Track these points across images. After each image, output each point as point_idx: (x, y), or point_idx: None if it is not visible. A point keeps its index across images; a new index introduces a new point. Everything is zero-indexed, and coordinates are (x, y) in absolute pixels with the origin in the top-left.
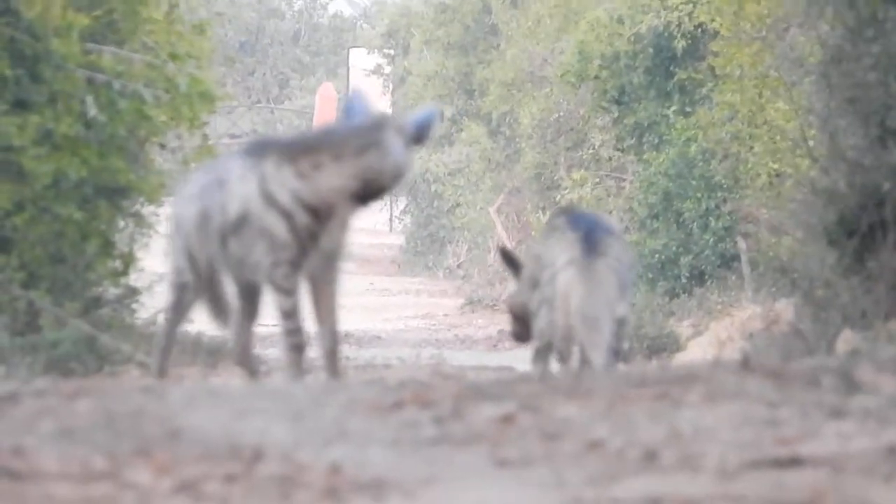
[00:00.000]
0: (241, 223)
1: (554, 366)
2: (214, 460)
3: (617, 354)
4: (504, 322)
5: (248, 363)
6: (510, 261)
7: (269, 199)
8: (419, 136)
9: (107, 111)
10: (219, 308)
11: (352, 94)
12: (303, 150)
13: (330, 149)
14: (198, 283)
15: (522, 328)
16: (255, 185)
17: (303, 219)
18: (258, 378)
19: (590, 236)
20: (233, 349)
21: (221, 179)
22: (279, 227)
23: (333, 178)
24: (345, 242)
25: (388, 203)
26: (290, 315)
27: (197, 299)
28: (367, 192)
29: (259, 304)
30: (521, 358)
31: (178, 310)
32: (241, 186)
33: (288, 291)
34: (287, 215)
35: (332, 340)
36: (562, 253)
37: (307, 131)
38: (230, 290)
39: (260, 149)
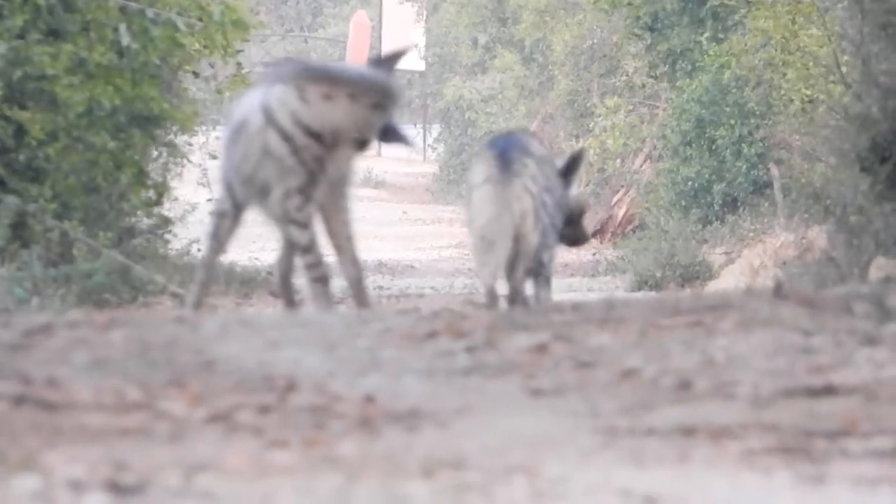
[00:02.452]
0: (239, 131)
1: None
2: (248, 390)
3: (523, 281)
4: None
5: (287, 292)
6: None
7: (269, 117)
8: (387, 134)
9: (140, 39)
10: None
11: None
12: (321, 77)
13: (349, 87)
14: (235, 213)
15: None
16: (259, 98)
17: (304, 142)
18: (295, 307)
19: (504, 156)
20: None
21: (242, 97)
22: (282, 150)
23: (338, 113)
24: (352, 171)
25: (422, 131)
26: (308, 249)
27: (234, 229)
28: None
29: None
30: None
31: (218, 239)
32: (248, 98)
33: (303, 224)
34: (287, 138)
35: (356, 268)
36: (478, 173)
37: (337, 63)
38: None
39: (281, 70)
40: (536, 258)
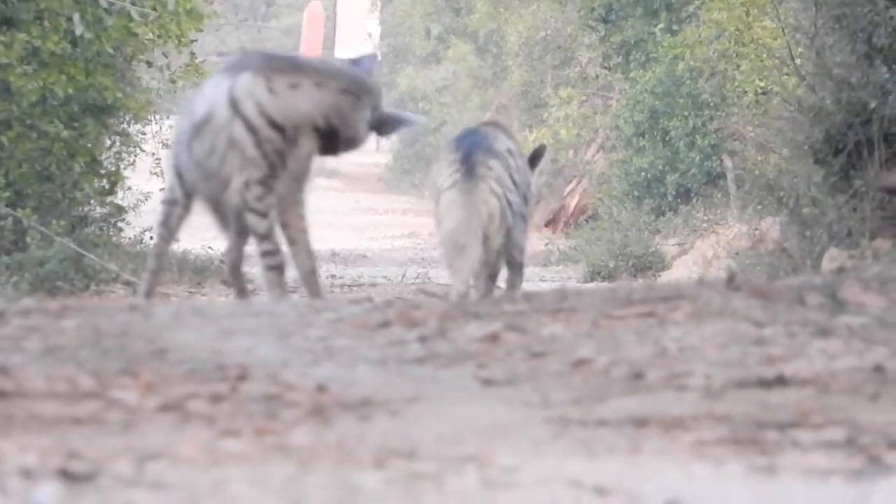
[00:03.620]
0: (203, 125)
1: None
2: (200, 379)
3: (493, 279)
4: None
5: (238, 282)
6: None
7: (236, 109)
8: (383, 125)
9: (94, 28)
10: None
11: (367, 55)
12: (286, 66)
13: (315, 76)
14: (186, 202)
15: None
16: (225, 91)
17: (268, 135)
18: (246, 297)
19: (469, 159)
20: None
21: (202, 87)
22: (246, 141)
23: (304, 102)
24: (311, 166)
25: None
26: (265, 237)
27: (185, 217)
28: (323, 133)
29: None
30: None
31: (168, 227)
32: (211, 91)
33: (262, 213)
34: (252, 129)
35: (309, 259)
36: (444, 175)
37: (296, 53)
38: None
39: (242, 61)
40: (509, 254)
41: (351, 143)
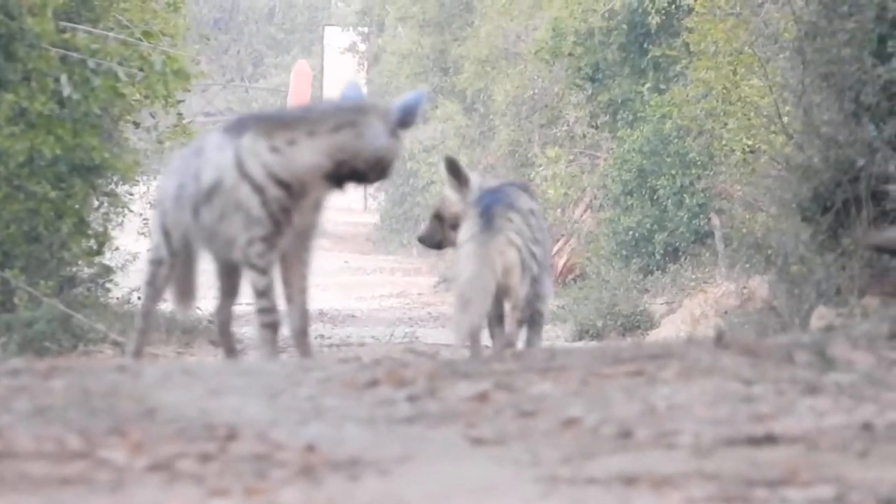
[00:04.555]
0: (213, 192)
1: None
2: (189, 439)
3: (516, 332)
4: None
5: (227, 341)
6: (455, 172)
7: (243, 171)
8: (405, 119)
9: (81, 89)
10: (185, 290)
11: (348, 84)
12: (280, 124)
13: (306, 125)
14: (172, 261)
15: (435, 233)
16: (231, 156)
17: (275, 193)
18: (235, 356)
19: (488, 212)
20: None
21: (199, 150)
22: (252, 202)
23: (306, 154)
24: (318, 222)
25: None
26: (263, 294)
27: (171, 277)
28: (343, 174)
29: (238, 282)
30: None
31: (155, 287)
32: (216, 156)
33: (262, 270)
34: (259, 189)
35: (303, 320)
36: (464, 230)
37: (287, 108)
38: (209, 268)
39: (239, 123)
40: (532, 307)
41: (377, 164)
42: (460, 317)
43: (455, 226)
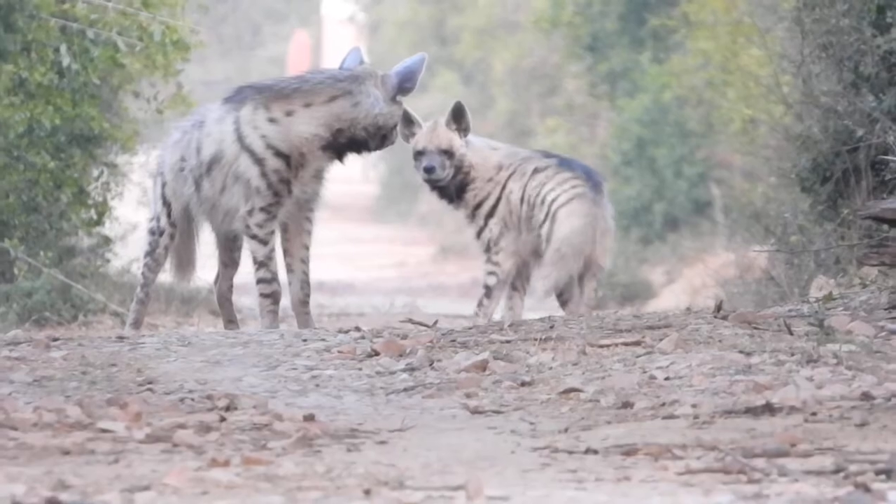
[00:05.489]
0: (213, 165)
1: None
2: (188, 409)
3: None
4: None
5: (227, 311)
6: (460, 118)
7: (242, 143)
8: (403, 85)
9: (80, 59)
10: (184, 261)
11: (351, 51)
12: (277, 95)
13: (302, 96)
14: (172, 231)
15: (445, 168)
16: (231, 128)
17: (274, 164)
18: (235, 326)
19: (592, 177)
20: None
21: (200, 123)
22: (252, 173)
23: (303, 125)
24: (319, 193)
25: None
26: (264, 264)
27: (171, 248)
28: (341, 143)
29: (238, 253)
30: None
31: (154, 257)
32: (217, 128)
33: (263, 240)
34: (259, 161)
35: (303, 291)
36: (559, 192)
37: (286, 78)
38: (209, 239)
39: (239, 94)
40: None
41: (377, 131)
42: (552, 270)
43: (462, 171)
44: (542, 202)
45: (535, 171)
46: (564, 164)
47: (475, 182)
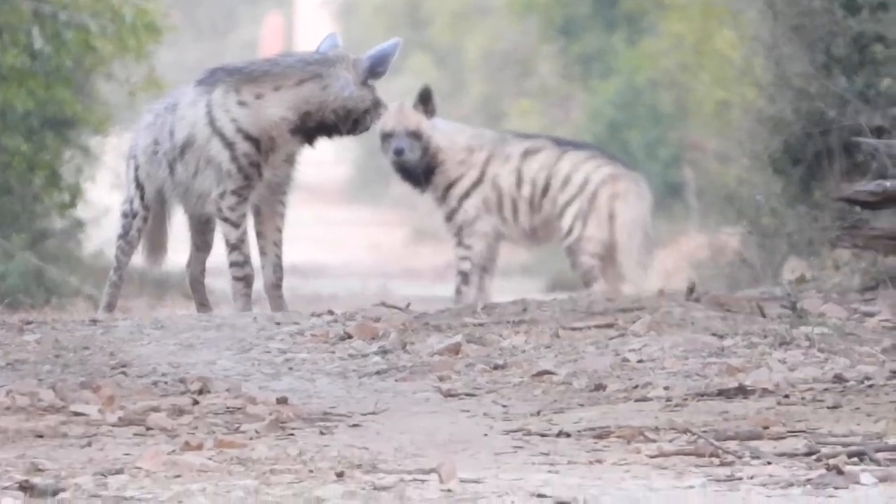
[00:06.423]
0: (186, 148)
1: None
2: (161, 393)
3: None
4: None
5: (199, 295)
6: (426, 101)
7: (213, 126)
8: (375, 69)
9: (53, 42)
10: (156, 244)
11: (327, 37)
12: (248, 79)
13: (272, 79)
14: (145, 214)
15: (415, 152)
16: (203, 112)
17: (244, 148)
18: (208, 310)
19: (615, 157)
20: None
21: (174, 106)
22: (223, 156)
23: (272, 108)
24: (291, 176)
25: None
26: (236, 247)
27: (144, 231)
28: (310, 126)
29: (211, 237)
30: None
31: (127, 240)
32: (189, 112)
33: (234, 223)
34: (229, 144)
35: (276, 274)
36: (585, 170)
37: (257, 61)
38: (181, 223)
39: (211, 76)
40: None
41: (347, 115)
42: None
43: (429, 153)
44: (567, 182)
45: (528, 152)
46: (578, 144)
47: (444, 164)
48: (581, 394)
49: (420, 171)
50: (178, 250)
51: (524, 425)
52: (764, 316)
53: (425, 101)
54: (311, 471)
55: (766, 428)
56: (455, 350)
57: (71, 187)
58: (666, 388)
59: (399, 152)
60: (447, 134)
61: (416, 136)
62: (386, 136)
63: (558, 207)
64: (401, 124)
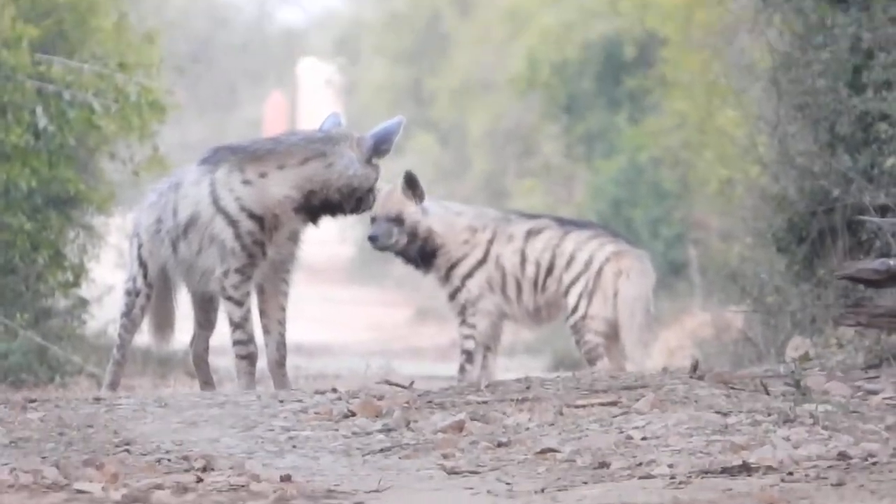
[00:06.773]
0: (190, 227)
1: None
2: (165, 470)
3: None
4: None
5: (203, 373)
6: (413, 186)
7: (217, 205)
8: (379, 147)
9: (56, 121)
10: (163, 323)
11: (330, 115)
12: (252, 157)
13: (276, 158)
14: (148, 292)
15: (391, 236)
16: (206, 190)
17: (248, 226)
18: (212, 388)
19: (618, 235)
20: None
21: (177, 185)
22: (226, 234)
23: (276, 186)
24: (295, 254)
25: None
26: (240, 325)
27: (147, 309)
28: (314, 205)
29: (215, 315)
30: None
31: (131, 318)
32: (193, 190)
33: (238, 301)
34: (233, 222)
35: (279, 352)
36: (589, 248)
37: (260, 139)
38: (185, 301)
39: (215, 155)
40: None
41: (351, 193)
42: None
43: (419, 237)
44: (572, 261)
45: (531, 232)
46: (574, 222)
47: (445, 247)
48: (585, 471)
49: (414, 254)
50: (182, 329)
51: (528, 503)
52: (768, 393)
53: (412, 185)
54: None
55: None
56: (459, 427)
57: (74, 266)
58: (670, 466)
59: (373, 238)
60: (441, 217)
61: (397, 221)
62: (371, 220)
63: (563, 286)
64: (383, 209)
